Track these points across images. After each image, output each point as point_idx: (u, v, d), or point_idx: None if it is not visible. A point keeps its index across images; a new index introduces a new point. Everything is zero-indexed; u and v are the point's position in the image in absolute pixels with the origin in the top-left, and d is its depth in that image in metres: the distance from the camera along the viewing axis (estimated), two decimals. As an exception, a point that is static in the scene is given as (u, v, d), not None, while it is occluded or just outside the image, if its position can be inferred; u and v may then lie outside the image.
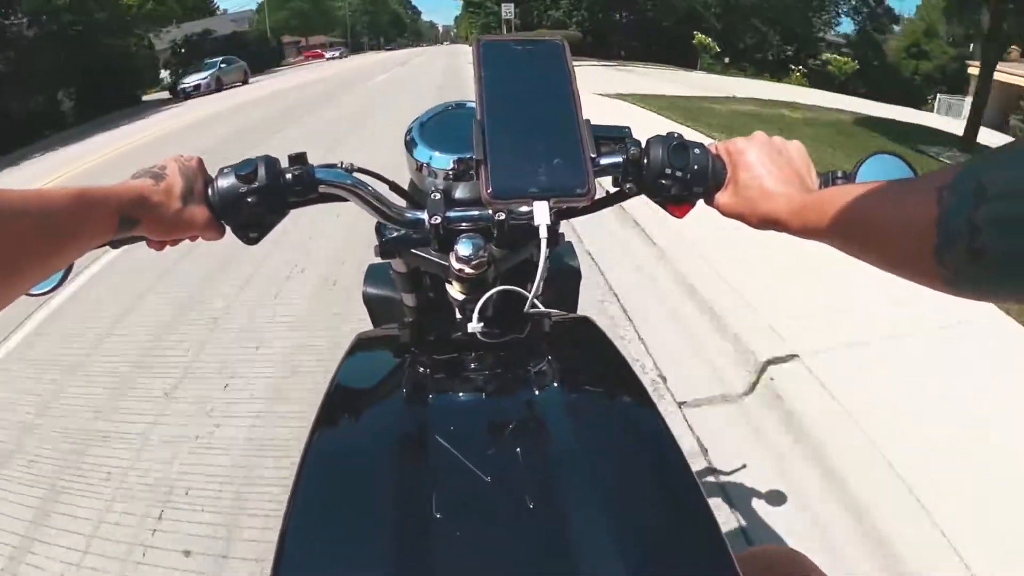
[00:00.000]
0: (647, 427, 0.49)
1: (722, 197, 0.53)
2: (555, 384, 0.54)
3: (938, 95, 22.16)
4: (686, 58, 24.36)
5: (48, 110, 14.88)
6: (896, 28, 31.11)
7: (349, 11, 63.28)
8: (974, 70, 13.17)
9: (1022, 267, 0.28)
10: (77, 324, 2.87)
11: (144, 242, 0.52)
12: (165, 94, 21.34)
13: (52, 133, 13.23)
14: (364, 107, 10.21)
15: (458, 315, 0.62)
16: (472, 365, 0.58)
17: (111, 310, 2.96)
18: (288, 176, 0.53)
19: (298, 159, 0.54)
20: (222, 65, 19.83)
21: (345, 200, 0.57)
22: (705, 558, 0.39)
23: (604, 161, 0.54)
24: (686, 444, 1.79)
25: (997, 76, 10.02)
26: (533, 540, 0.39)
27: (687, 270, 2.76)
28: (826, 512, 1.47)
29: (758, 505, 1.47)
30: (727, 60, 24.81)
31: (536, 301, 0.51)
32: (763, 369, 1.97)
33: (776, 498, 1.47)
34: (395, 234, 0.59)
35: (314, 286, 2.97)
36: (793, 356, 2.00)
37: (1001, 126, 15.22)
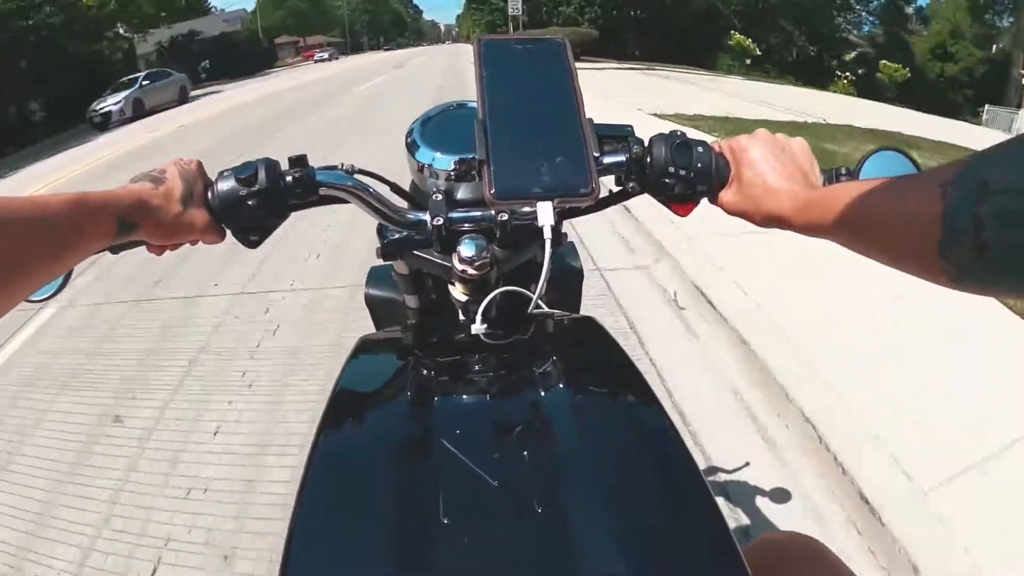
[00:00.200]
0: (653, 426, 0.51)
1: (726, 195, 0.56)
2: (560, 385, 0.56)
3: (987, 107, 21.69)
4: (703, 58, 24.42)
5: (20, 123, 14.28)
6: (921, 28, 30.94)
7: (348, 10, 64.34)
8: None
9: None
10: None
11: (144, 247, 0.54)
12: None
13: (14, 150, 12.69)
14: (342, 127, 8.53)
15: (461, 317, 0.64)
16: (476, 367, 0.60)
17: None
18: (288, 178, 0.56)
19: (298, 161, 0.57)
20: (144, 83, 15.74)
21: (346, 202, 0.60)
22: (713, 556, 0.41)
23: (607, 160, 0.57)
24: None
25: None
26: (541, 541, 0.41)
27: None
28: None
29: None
30: (749, 61, 24.77)
31: (540, 302, 0.54)
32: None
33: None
34: (397, 236, 0.62)
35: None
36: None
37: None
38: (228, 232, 0.57)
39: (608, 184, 0.59)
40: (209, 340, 2.73)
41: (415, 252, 0.63)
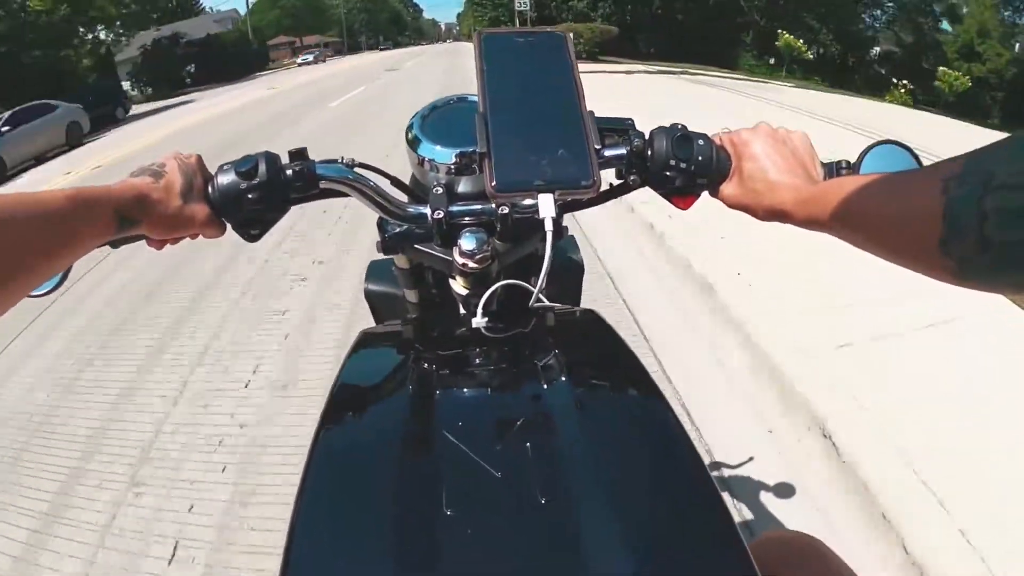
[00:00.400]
0: (656, 418, 0.54)
1: (727, 188, 0.59)
2: (562, 378, 0.59)
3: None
4: (721, 56, 24.29)
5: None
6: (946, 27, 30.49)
7: (345, 9, 65.27)
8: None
9: None
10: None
11: (144, 241, 0.57)
12: (147, 106, 19.26)
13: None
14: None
15: (462, 310, 0.68)
16: (478, 360, 0.63)
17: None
18: (289, 172, 0.59)
19: (298, 155, 0.60)
20: (3, 129, 10.65)
21: (347, 196, 0.63)
22: (719, 549, 0.43)
23: (608, 153, 0.60)
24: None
25: None
26: (545, 534, 0.43)
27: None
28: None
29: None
30: (772, 61, 24.75)
31: (541, 295, 0.57)
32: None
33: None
34: (397, 230, 0.66)
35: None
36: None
37: None
38: (228, 226, 0.60)
39: (608, 177, 0.62)
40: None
41: (416, 246, 0.66)
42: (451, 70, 16.23)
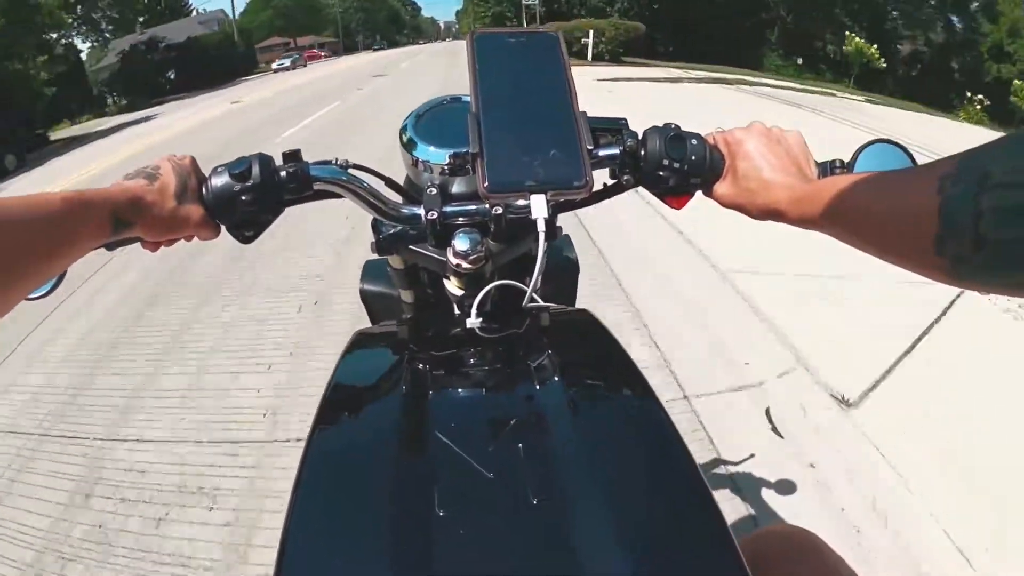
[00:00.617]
0: (649, 419, 0.58)
1: (720, 188, 0.63)
2: (555, 378, 0.63)
3: None
4: (745, 56, 24.19)
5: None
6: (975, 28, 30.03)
7: (341, 9, 66.26)
8: None
9: None
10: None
11: (139, 243, 0.60)
12: (103, 123, 17.87)
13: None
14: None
15: (456, 311, 0.72)
16: (472, 361, 0.67)
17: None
18: (283, 174, 0.63)
19: (292, 156, 0.65)
20: None
21: (341, 197, 0.68)
22: (709, 549, 0.47)
23: (601, 153, 0.65)
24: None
25: None
26: (537, 535, 0.46)
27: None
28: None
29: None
30: (800, 61, 24.71)
31: (535, 295, 0.61)
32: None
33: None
34: (392, 230, 0.70)
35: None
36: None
37: None
38: (223, 228, 0.64)
39: (602, 177, 0.66)
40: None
41: (410, 246, 0.70)
42: (447, 82, 14.22)
